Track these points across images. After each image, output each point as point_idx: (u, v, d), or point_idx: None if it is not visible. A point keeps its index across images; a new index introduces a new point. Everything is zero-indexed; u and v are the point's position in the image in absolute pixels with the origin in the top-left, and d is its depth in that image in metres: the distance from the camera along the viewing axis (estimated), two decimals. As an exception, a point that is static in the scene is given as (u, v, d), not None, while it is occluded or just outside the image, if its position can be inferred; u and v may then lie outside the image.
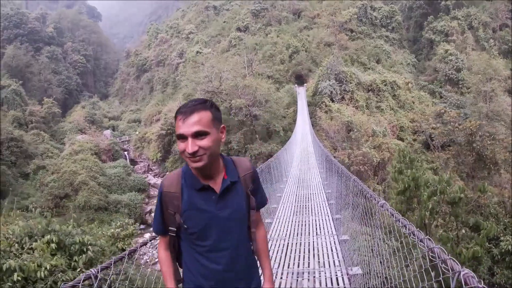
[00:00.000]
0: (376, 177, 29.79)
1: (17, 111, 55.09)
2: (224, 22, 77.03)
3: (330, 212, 9.30)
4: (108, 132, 62.60)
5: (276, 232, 8.20)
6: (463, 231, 11.85)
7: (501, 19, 64.05)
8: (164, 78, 76.22)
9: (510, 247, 12.07)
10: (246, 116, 34.12)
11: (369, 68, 52.20)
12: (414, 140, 39.48)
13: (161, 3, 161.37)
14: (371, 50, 56.92)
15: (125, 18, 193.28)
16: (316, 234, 7.70)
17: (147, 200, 39.42)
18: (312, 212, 9.76)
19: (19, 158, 39.26)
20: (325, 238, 7.31)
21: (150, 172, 50.80)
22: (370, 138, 32.50)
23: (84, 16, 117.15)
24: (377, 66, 53.57)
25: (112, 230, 13.37)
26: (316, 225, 8.43)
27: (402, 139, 37.79)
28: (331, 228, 7.97)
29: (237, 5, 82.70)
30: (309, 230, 8.10)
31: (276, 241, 7.48)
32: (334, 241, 7.00)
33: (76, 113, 69.63)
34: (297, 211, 10.11)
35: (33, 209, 31.21)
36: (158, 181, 45.64)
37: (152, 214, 26.65)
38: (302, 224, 8.62)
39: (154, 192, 42.43)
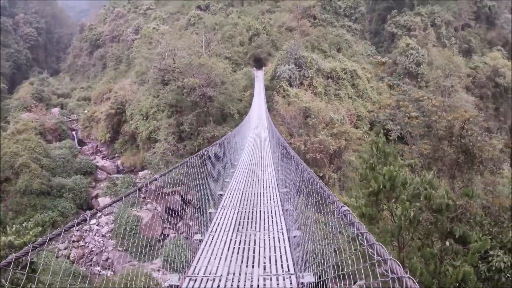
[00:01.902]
0: (332, 165, 29.11)
1: (-43, 86, 50.87)
2: (185, -1, 73.97)
3: (286, 226, 7.03)
4: (56, 110, 59.10)
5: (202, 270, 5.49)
6: (447, 243, 9.74)
7: (464, 19, 65.80)
8: (118, 55, 72.52)
9: (502, 264, 10.07)
10: (200, 97, 32.25)
11: (329, 56, 51.68)
12: (371, 129, 39.25)
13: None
14: (332, 38, 56.46)
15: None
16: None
17: (93, 183, 37.45)
18: (260, 227, 7.19)
19: (-44, 137, 35.78)
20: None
21: (98, 154, 48.20)
22: (328, 126, 31.68)
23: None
24: (338, 55, 53.13)
25: (3, 238, 11.08)
26: (266, 257, 5.76)
27: (358, 128, 37.36)
28: (287, 263, 5.43)
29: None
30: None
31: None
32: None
33: (24, 89, 66.05)
34: (241, 221, 7.67)
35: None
36: (106, 163, 43.39)
37: (99, 199, 24.45)
38: (244, 250, 6.04)
39: (102, 175, 40.19)
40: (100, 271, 21.97)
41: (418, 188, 10.39)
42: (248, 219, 7.69)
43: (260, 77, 44.24)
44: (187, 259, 5.82)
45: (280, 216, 7.65)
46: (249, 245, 6.11)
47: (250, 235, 6.63)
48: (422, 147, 22.68)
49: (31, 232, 12.69)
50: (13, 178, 30.71)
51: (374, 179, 10.76)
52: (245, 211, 8.23)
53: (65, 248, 24.18)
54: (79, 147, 48.17)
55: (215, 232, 6.95)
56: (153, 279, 18.40)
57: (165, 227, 26.95)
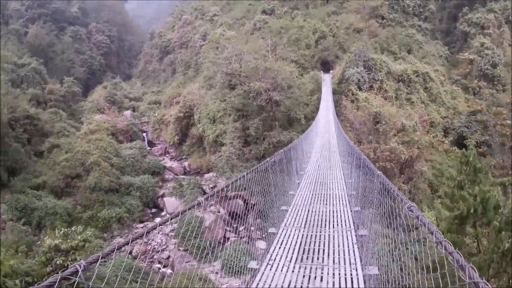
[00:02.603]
0: (402, 175, 27.59)
1: (36, 89, 54.86)
2: (250, 4, 74.47)
3: (361, 259, 5.99)
4: (128, 112, 62.05)
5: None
6: None
7: (540, 14, 59.99)
8: (187, 60, 74.89)
9: None
10: (266, 101, 32.16)
11: (399, 58, 49.44)
12: (444, 137, 37.04)
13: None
14: (402, 39, 54.02)
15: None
16: None
17: (160, 183, 38.60)
18: (329, 259, 6.17)
19: (34, 136, 38.67)
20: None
21: (166, 155, 49.90)
22: (400, 133, 30.16)
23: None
24: (408, 56, 50.63)
25: (49, 241, 11.07)
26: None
27: (435, 137, 35.37)
28: None
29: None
30: None
31: None
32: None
33: (97, 93, 69.72)
34: (305, 248, 6.69)
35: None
36: (174, 164, 44.72)
37: (165, 199, 25.18)
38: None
39: (169, 175, 41.45)
40: (159, 269, 22.43)
41: None
42: (314, 245, 6.66)
43: (327, 81, 43.33)
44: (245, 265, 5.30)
45: (353, 244, 6.58)
46: (314, 284, 5.09)
47: (316, 269, 5.61)
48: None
49: (79, 237, 12.59)
50: (84, 175, 32.52)
51: (463, 200, 9.36)
52: (311, 235, 7.19)
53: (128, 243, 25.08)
54: (148, 148, 50.29)
55: (274, 260, 5.99)
56: (209, 281, 18.45)
57: (227, 230, 27.09)
